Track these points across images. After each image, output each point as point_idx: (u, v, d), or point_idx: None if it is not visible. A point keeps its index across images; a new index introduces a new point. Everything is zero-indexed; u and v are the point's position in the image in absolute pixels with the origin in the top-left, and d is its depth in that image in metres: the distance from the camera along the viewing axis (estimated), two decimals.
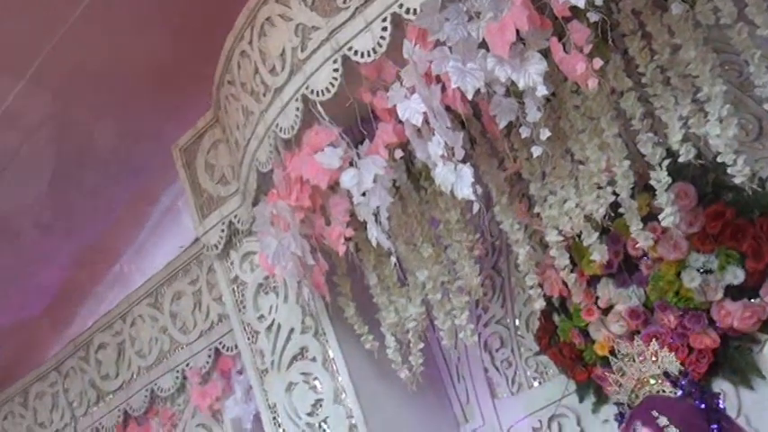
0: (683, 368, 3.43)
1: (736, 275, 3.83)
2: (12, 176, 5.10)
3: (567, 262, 3.88)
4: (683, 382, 3.37)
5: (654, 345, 3.44)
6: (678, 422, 3.27)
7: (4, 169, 5.05)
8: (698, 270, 3.86)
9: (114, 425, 5.86)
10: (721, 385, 3.82)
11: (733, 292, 3.86)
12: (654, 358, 3.41)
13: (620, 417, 3.50)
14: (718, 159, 3.50)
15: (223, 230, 4.95)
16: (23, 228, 5.45)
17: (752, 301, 3.85)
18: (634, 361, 3.45)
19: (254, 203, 4.55)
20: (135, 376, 5.80)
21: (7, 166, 5.00)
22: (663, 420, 3.27)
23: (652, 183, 3.59)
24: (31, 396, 6.36)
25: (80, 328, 6.22)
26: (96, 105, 4.97)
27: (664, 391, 3.37)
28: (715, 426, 3.32)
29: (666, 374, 3.38)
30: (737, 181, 3.53)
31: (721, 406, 3.41)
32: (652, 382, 3.40)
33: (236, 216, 4.88)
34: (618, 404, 3.54)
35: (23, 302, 6.09)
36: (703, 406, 3.34)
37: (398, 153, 3.82)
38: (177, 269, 5.55)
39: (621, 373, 3.48)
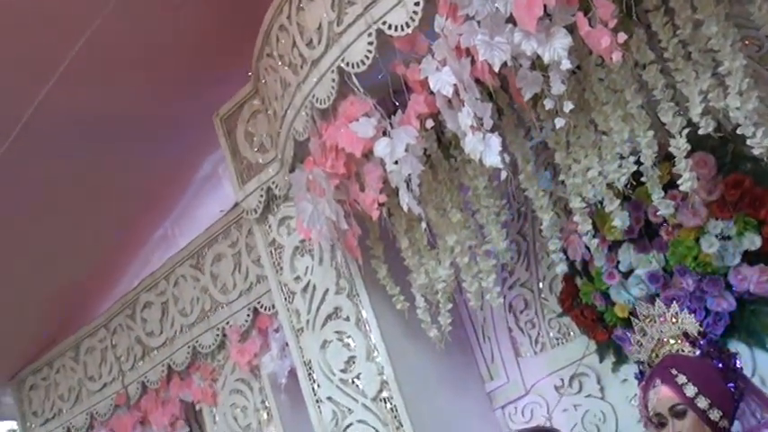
0: (701, 329, 3.42)
1: (753, 242, 3.82)
2: (59, 138, 5.09)
3: (590, 228, 3.85)
4: (701, 343, 3.36)
5: (674, 307, 3.43)
6: (696, 380, 3.26)
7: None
8: (716, 236, 3.85)
9: (159, 379, 5.91)
10: (737, 347, 3.79)
11: (750, 258, 3.85)
12: (674, 320, 3.40)
13: (639, 375, 3.50)
14: (738, 131, 3.46)
15: (262, 196, 4.97)
16: (69, 190, 5.45)
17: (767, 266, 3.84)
18: (655, 322, 3.44)
19: (291, 170, 4.56)
20: (178, 333, 5.83)
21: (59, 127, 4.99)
22: (682, 378, 3.27)
23: (672, 150, 3.56)
24: (82, 351, 6.41)
25: (127, 288, 6.26)
26: (141, 78, 4.96)
27: (683, 351, 3.36)
28: (732, 384, 3.31)
29: (686, 335, 3.37)
30: (756, 152, 3.49)
31: (738, 366, 3.39)
32: (672, 342, 3.39)
33: (274, 182, 4.89)
34: (638, 363, 3.54)
35: (74, 263, 6.12)
36: (721, 365, 3.33)
37: (429, 123, 3.79)
38: (218, 232, 5.58)
39: (643, 333, 3.48)
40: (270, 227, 4.99)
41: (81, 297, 6.43)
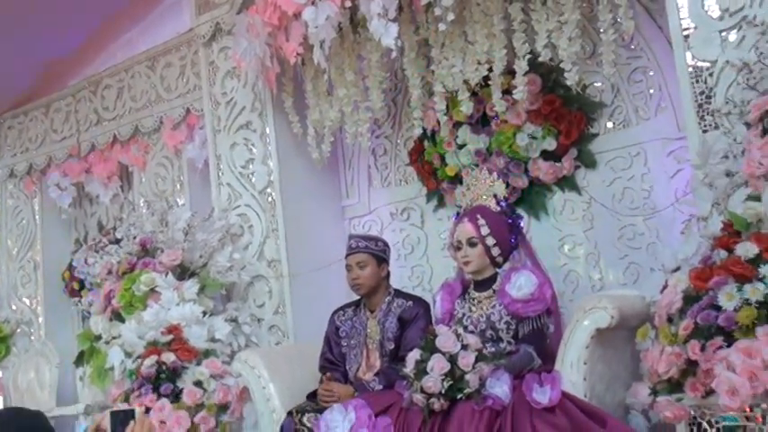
0: (506, 195, 3.47)
1: (550, 144, 3.89)
2: None
3: (444, 108, 3.86)
4: (502, 204, 3.42)
5: (494, 175, 3.47)
6: (491, 225, 3.34)
7: None
8: (528, 135, 3.89)
9: (105, 143, 5.67)
10: (521, 213, 3.86)
11: (545, 155, 3.91)
12: (491, 183, 3.44)
13: (457, 214, 3.54)
14: (561, 65, 3.52)
15: (211, 27, 4.73)
16: None
17: (555, 164, 3.91)
18: (478, 181, 3.47)
19: (238, 13, 4.42)
20: (126, 113, 5.58)
21: None
22: (482, 221, 3.34)
23: (515, 67, 3.59)
24: (51, 110, 6.07)
25: (94, 71, 5.93)
26: None
27: (489, 206, 3.41)
28: (513, 236, 3.40)
29: (495, 196, 3.41)
30: (568, 83, 3.56)
31: (521, 226, 3.48)
32: (484, 197, 3.43)
33: (222, 19, 4.68)
34: (458, 207, 3.58)
35: (57, 43, 5.76)
36: (510, 221, 3.41)
37: (348, 3, 3.70)
38: (172, 46, 5.31)
39: (467, 187, 3.51)
40: (212, 51, 4.78)
41: (57, 70, 6.06)
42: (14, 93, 6.24)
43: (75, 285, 5.88)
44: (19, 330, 5.91)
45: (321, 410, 3.32)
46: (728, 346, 2.43)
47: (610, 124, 3.86)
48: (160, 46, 5.41)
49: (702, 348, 2.48)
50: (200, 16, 4.81)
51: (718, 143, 2.87)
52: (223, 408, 3.84)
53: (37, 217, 6.24)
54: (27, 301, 6.14)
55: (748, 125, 2.71)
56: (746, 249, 2.53)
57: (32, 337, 5.95)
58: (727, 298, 2.47)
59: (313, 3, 3.75)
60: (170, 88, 5.31)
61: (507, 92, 3.73)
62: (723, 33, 3.02)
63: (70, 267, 5.96)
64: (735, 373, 2.37)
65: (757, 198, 2.60)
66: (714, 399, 2.46)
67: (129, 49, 5.82)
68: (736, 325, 2.43)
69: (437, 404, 2.94)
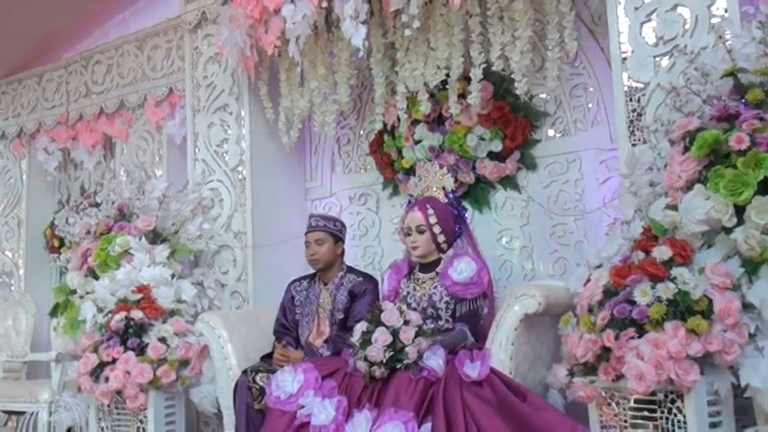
0: (453, 188, 3.47)
1: (497, 146, 3.88)
2: None
3: (404, 106, 3.85)
4: (450, 196, 3.42)
5: (444, 170, 3.46)
6: (438, 215, 3.34)
7: None
8: (477, 136, 3.88)
9: (92, 114, 5.55)
10: (466, 206, 3.86)
11: (491, 156, 3.91)
12: (441, 177, 3.43)
13: (408, 203, 3.53)
14: (512, 76, 3.52)
15: (197, 15, 4.65)
16: None
17: (500, 164, 3.91)
18: (429, 174, 3.46)
19: (223, 4, 4.32)
20: (114, 88, 5.46)
21: None
22: (430, 211, 3.34)
23: (471, 75, 3.58)
24: (44, 79, 5.93)
25: (87, 47, 5.80)
26: None
27: (438, 197, 3.41)
28: (458, 226, 3.41)
29: (444, 188, 3.41)
30: (518, 92, 3.56)
31: (465, 217, 3.49)
32: (434, 189, 3.43)
33: (208, 8, 4.59)
34: (410, 196, 3.57)
35: (54, 19, 5.61)
36: (456, 212, 3.41)
37: (324, 3, 3.69)
38: (161, 30, 5.20)
39: (420, 179, 3.50)
40: (197, 37, 4.70)
41: (53, 43, 5.92)
42: (10, 61, 6.08)
43: (56, 243, 5.80)
44: (0, 281, 5.81)
45: (273, 371, 3.32)
46: (639, 336, 2.48)
47: (551, 132, 3.88)
48: (149, 29, 5.29)
49: (616, 337, 2.52)
50: (188, 4, 4.72)
51: (645, 156, 2.90)
52: (184, 363, 3.82)
53: (24, 177, 6.10)
54: (9, 255, 6.02)
55: (672, 142, 2.75)
56: (661, 252, 2.57)
57: (12, 288, 5.85)
58: (642, 294, 2.51)
59: (292, 1, 3.72)
60: (156, 68, 5.20)
61: (462, 96, 3.72)
62: (657, 59, 3.06)
63: (52, 226, 5.88)
64: (643, 361, 2.42)
65: (675, 207, 2.64)
66: (623, 382, 2.50)
67: (121, 28, 5.71)
68: (647, 319, 2.48)
69: (378, 372, 2.95)
